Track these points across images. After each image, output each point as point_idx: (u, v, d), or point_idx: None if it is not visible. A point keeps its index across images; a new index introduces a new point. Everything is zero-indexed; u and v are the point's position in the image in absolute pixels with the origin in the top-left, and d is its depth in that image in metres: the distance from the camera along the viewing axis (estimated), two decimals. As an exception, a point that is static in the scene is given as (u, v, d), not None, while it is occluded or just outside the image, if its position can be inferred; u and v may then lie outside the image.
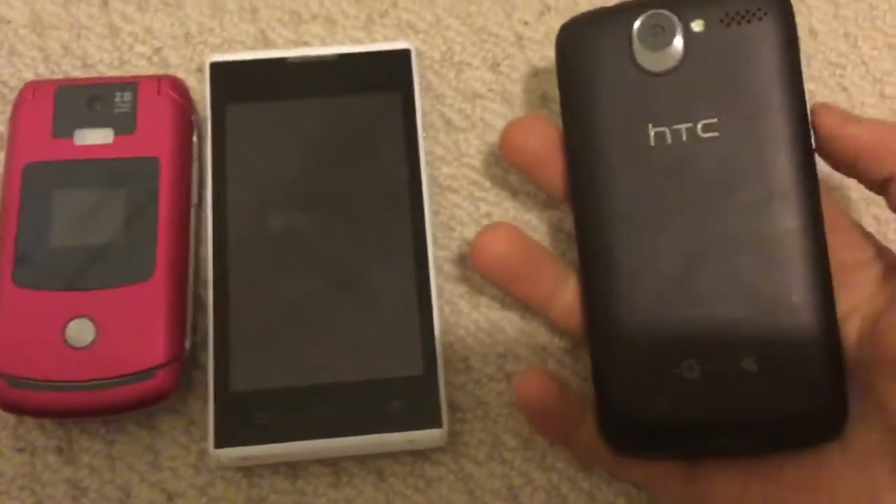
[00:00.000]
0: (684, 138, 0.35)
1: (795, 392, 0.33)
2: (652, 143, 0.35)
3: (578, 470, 0.39)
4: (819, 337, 0.33)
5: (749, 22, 0.35)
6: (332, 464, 0.39)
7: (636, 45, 0.36)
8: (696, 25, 0.35)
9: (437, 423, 0.37)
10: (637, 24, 0.36)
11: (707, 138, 0.34)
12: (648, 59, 0.35)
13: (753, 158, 0.34)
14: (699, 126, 0.34)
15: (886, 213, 0.36)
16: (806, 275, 0.33)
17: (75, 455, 0.39)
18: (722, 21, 0.35)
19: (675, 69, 0.35)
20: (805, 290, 0.33)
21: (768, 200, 0.34)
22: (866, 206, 0.42)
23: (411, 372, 0.38)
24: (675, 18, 0.35)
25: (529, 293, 0.38)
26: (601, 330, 0.35)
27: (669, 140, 0.35)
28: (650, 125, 0.35)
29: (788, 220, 0.33)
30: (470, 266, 0.39)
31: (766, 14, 0.35)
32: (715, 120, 0.35)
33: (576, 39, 0.37)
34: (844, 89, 0.44)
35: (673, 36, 0.35)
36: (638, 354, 0.34)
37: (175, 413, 0.40)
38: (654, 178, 0.35)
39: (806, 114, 0.35)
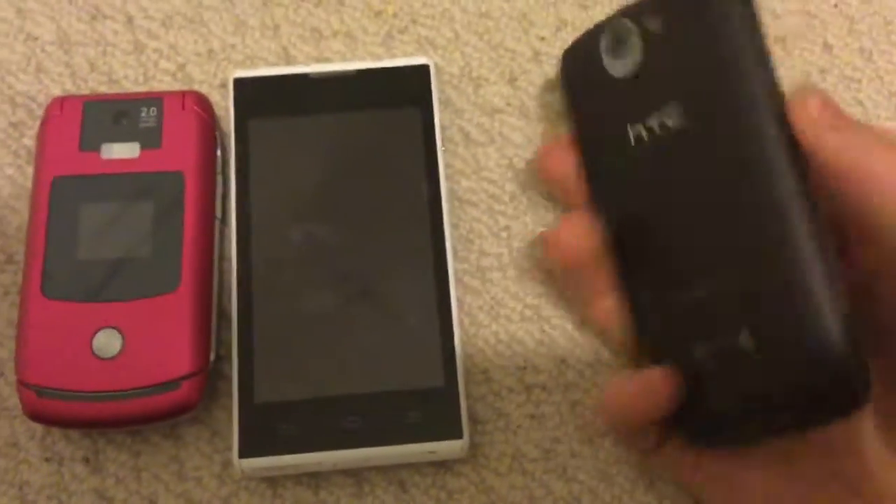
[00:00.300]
0: (657, 132, 0.36)
1: (805, 363, 0.32)
2: (633, 142, 0.37)
3: (600, 481, 0.39)
4: (820, 306, 0.32)
5: (700, 13, 0.36)
6: (355, 474, 0.39)
7: (604, 57, 0.38)
8: (654, 27, 0.36)
9: (458, 434, 0.38)
10: (602, 38, 0.38)
11: (678, 129, 0.35)
12: (615, 67, 0.38)
13: (725, 139, 0.34)
14: (668, 120, 0.35)
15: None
16: (797, 245, 0.32)
17: (102, 465, 0.40)
18: (677, 18, 0.36)
19: (638, 72, 0.37)
20: (799, 261, 0.32)
21: (745, 177, 0.34)
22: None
23: (432, 383, 0.38)
24: (630, 24, 0.37)
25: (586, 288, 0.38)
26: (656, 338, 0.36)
27: (646, 137, 0.36)
28: (628, 126, 0.37)
29: (769, 191, 0.33)
30: (544, 254, 0.39)
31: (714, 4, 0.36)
32: (681, 110, 0.35)
33: (567, 62, 0.41)
34: (860, 103, 0.45)
35: (632, 42, 0.36)
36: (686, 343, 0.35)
37: (199, 423, 0.40)
38: (643, 173, 0.37)
39: (771, 87, 0.35)
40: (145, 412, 0.37)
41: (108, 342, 0.37)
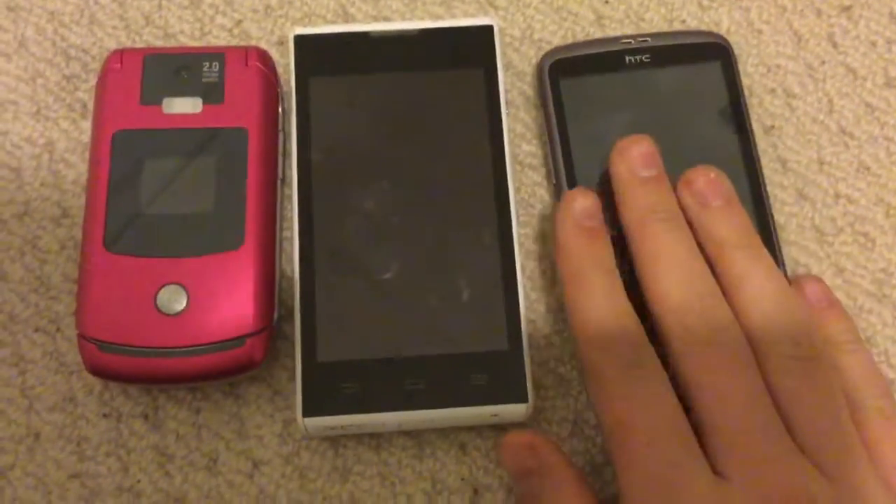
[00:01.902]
0: None
1: None
2: None
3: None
4: None
5: None
6: (416, 436, 0.39)
7: None
8: None
9: (522, 397, 0.38)
10: None
11: None
12: None
13: None
14: None
15: None
16: None
17: (161, 422, 0.40)
18: None
19: None
20: None
21: None
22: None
23: (497, 347, 0.38)
24: None
25: None
26: None
27: None
28: None
29: None
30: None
31: None
32: None
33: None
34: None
35: None
36: None
37: (260, 382, 0.40)
38: None
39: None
40: (209, 369, 0.36)
41: (172, 298, 0.37)
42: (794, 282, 0.38)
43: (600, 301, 0.35)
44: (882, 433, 0.35)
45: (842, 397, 0.34)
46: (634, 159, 0.37)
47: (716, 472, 0.32)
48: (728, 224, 0.36)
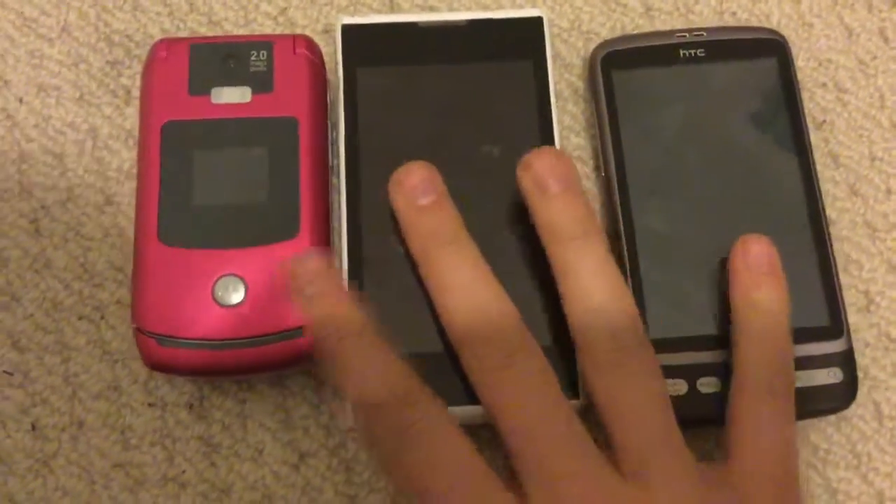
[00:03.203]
0: None
1: None
2: None
3: (717, 446, 0.39)
4: None
5: None
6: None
7: None
8: None
9: (573, 395, 0.37)
10: None
11: None
12: None
13: None
14: None
15: None
16: None
17: (206, 412, 0.39)
18: None
19: None
20: None
21: None
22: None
23: (543, 341, 0.38)
24: None
25: None
26: None
27: None
28: None
29: None
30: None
31: None
32: None
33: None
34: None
35: None
36: None
37: (305, 373, 0.40)
38: None
39: None
40: (268, 360, 0.36)
41: (230, 289, 0.36)
42: (739, 239, 0.37)
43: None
44: (767, 414, 0.33)
45: (663, 393, 0.33)
46: (410, 189, 0.36)
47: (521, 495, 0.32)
48: (563, 213, 0.35)
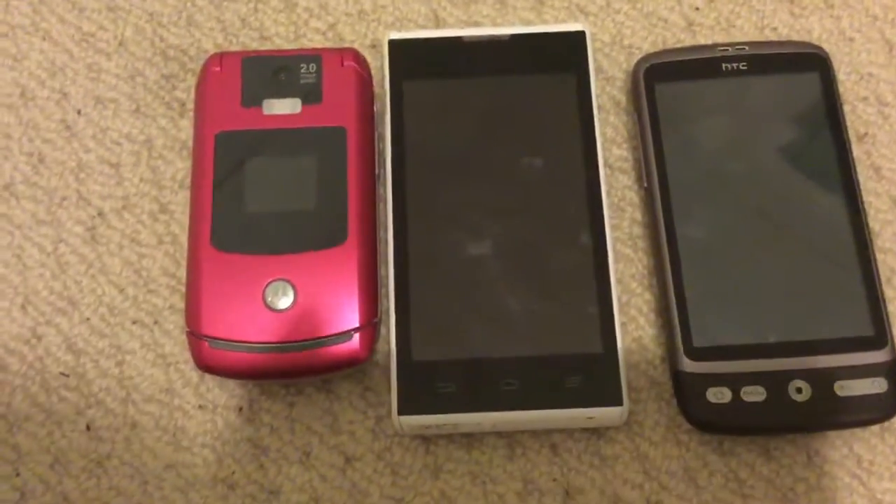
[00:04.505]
0: None
1: None
2: None
3: (758, 455, 0.39)
4: None
5: None
6: (507, 436, 0.40)
7: None
8: None
9: (618, 401, 0.38)
10: None
11: None
12: None
13: None
14: None
15: None
16: None
17: (255, 415, 0.40)
18: None
19: None
20: None
21: None
22: None
23: (591, 349, 0.38)
24: None
25: None
26: None
27: None
28: None
29: None
30: None
31: None
32: None
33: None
34: None
35: None
36: None
37: (352, 379, 0.40)
38: None
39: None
40: (317, 364, 0.37)
41: (280, 294, 0.37)
42: None
43: None
44: None
45: None
46: None
47: None
48: None
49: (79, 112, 0.45)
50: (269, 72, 0.42)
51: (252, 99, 0.41)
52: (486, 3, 0.46)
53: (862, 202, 0.40)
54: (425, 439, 0.40)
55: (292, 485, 0.39)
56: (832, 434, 0.39)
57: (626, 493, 0.38)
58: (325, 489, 0.39)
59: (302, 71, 0.42)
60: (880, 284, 0.39)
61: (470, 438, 0.40)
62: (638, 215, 0.43)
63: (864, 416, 0.38)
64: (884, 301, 0.38)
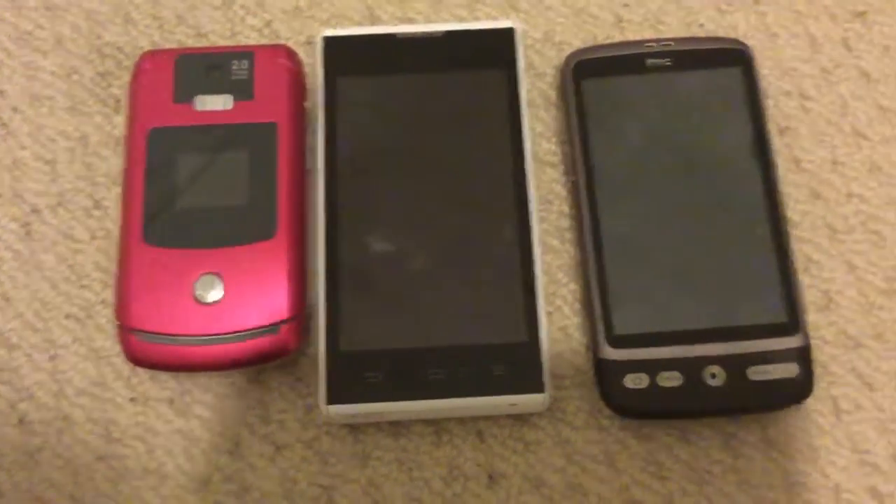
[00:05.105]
0: None
1: None
2: None
3: (676, 439, 0.40)
4: None
5: None
6: (434, 423, 0.40)
7: None
8: None
9: (539, 388, 0.39)
10: None
11: None
12: None
13: None
14: None
15: None
16: None
17: (187, 406, 0.41)
18: None
19: None
20: None
21: None
22: None
23: (515, 338, 0.39)
24: None
25: None
26: None
27: None
28: None
29: None
30: None
31: None
32: None
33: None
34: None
35: None
36: None
37: (282, 369, 0.41)
38: None
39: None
40: (246, 356, 0.38)
41: (209, 287, 0.38)
42: None
43: None
44: None
45: None
46: None
47: None
48: None
49: (15, 109, 0.45)
50: (202, 68, 0.42)
51: (184, 95, 0.42)
52: (421, 0, 0.47)
53: (780, 193, 0.41)
54: (354, 428, 0.40)
55: (222, 475, 0.40)
56: (747, 417, 0.40)
57: (548, 476, 0.39)
58: (254, 478, 0.40)
59: (234, 67, 0.42)
60: (795, 273, 0.40)
61: (398, 426, 0.40)
62: (566, 208, 0.43)
63: (777, 399, 0.39)
64: (798, 289, 0.40)
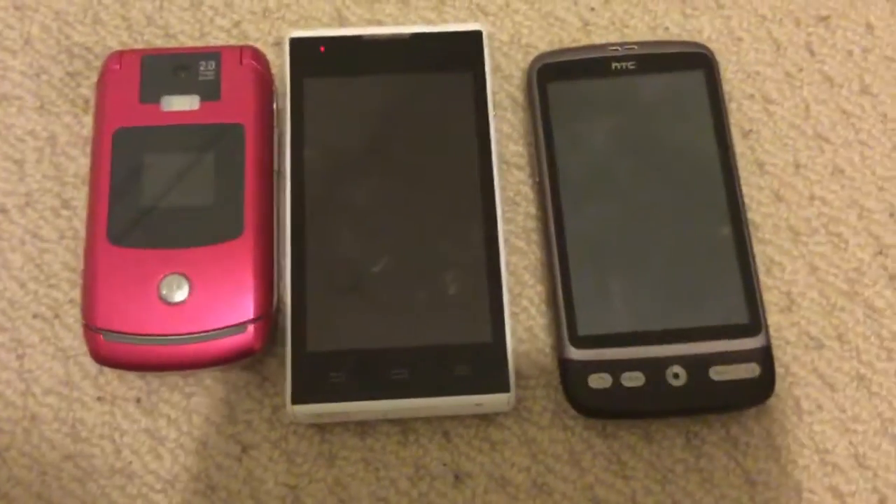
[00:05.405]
0: None
1: None
2: None
3: (640, 438, 0.40)
4: None
5: None
6: (401, 423, 0.41)
7: None
8: None
9: (504, 388, 0.39)
10: None
11: None
12: None
13: None
14: None
15: None
16: None
17: (154, 406, 0.41)
18: None
19: None
20: None
21: None
22: None
23: (481, 339, 0.40)
24: None
25: None
26: None
27: None
28: None
29: None
30: None
31: None
32: None
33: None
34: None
35: None
36: None
37: (250, 369, 0.41)
38: None
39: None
40: (212, 355, 0.38)
41: (175, 287, 0.38)
42: None
43: None
44: None
45: None
46: None
47: None
48: None
49: (-18, 109, 0.45)
50: (169, 69, 0.42)
51: (151, 96, 0.42)
52: (389, 2, 0.47)
53: (742, 196, 0.42)
54: (320, 428, 0.41)
55: (189, 474, 0.40)
56: (710, 417, 0.40)
57: (513, 475, 0.40)
58: (220, 477, 0.40)
59: (201, 68, 0.42)
60: (757, 274, 0.40)
61: (364, 426, 0.41)
62: (532, 209, 0.44)
63: (738, 400, 0.39)
64: (759, 290, 0.40)
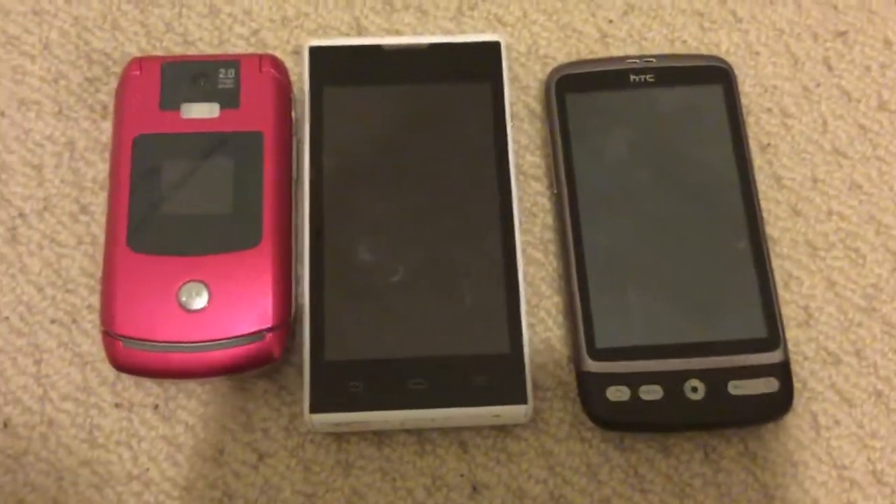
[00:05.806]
0: None
1: None
2: None
3: (657, 451, 0.40)
4: None
5: None
6: (418, 433, 0.41)
7: None
8: None
9: (522, 399, 0.39)
10: None
11: None
12: None
13: None
14: None
15: None
16: None
17: (171, 413, 0.41)
18: None
19: None
20: None
21: None
22: None
23: (498, 350, 0.40)
24: None
25: None
26: None
27: None
28: None
29: None
30: None
31: None
32: None
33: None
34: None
35: None
36: None
37: (267, 377, 0.41)
38: None
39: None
40: (230, 363, 0.38)
41: (194, 295, 0.38)
42: None
43: None
44: None
45: None
46: None
47: None
48: None
49: (2, 114, 0.45)
50: (188, 76, 0.42)
51: (170, 103, 0.42)
52: (407, 12, 0.47)
53: (760, 210, 0.42)
54: (337, 437, 0.41)
55: (205, 481, 0.40)
56: (728, 431, 0.40)
57: (530, 487, 0.40)
58: (237, 485, 0.40)
59: (220, 76, 0.42)
60: (775, 289, 0.40)
61: (381, 436, 0.41)
62: (550, 220, 0.44)
63: (756, 414, 0.39)
64: (778, 305, 0.40)
